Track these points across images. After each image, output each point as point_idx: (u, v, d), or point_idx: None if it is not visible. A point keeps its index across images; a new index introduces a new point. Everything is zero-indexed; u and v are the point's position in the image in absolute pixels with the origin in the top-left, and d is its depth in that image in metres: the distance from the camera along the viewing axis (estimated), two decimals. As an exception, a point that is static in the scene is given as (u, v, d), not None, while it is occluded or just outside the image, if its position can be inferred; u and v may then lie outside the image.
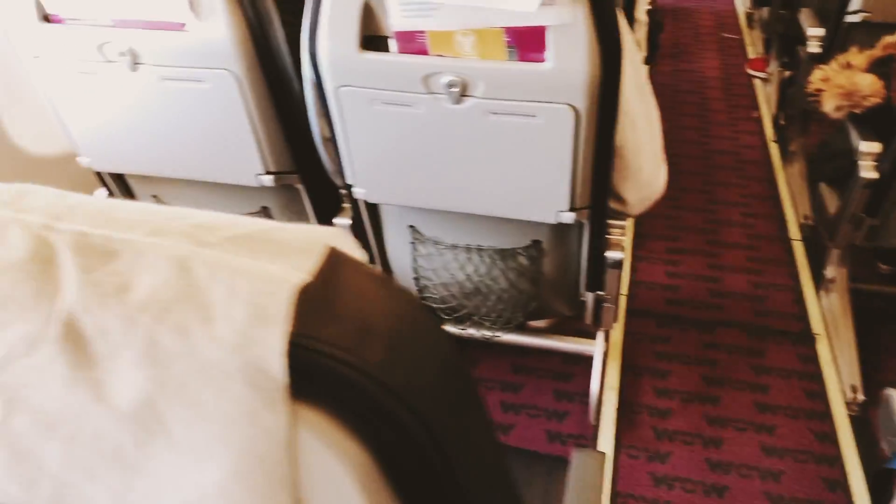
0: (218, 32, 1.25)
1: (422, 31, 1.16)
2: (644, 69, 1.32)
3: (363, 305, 0.39)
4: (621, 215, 1.43)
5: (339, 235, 0.40)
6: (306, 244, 0.38)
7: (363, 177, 1.38)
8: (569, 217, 1.30)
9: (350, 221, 1.53)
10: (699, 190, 2.70)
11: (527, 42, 1.13)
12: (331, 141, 1.37)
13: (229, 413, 0.36)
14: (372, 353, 0.37)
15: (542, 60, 1.13)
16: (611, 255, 1.44)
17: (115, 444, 0.38)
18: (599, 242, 1.41)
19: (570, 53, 1.11)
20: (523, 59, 1.15)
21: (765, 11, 3.48)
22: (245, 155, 1.41)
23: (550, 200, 1.29)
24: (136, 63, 1.32)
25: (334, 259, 0.38)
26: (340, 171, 1.41)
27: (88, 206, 0.40)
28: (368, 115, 1.26)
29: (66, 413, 0.38)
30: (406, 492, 0.40)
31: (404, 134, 1.28)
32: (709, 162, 2.88)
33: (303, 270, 0.36)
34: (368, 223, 1.55)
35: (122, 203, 0.41)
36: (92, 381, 0.37)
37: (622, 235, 1.45)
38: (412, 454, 0.38)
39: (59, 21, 1.31)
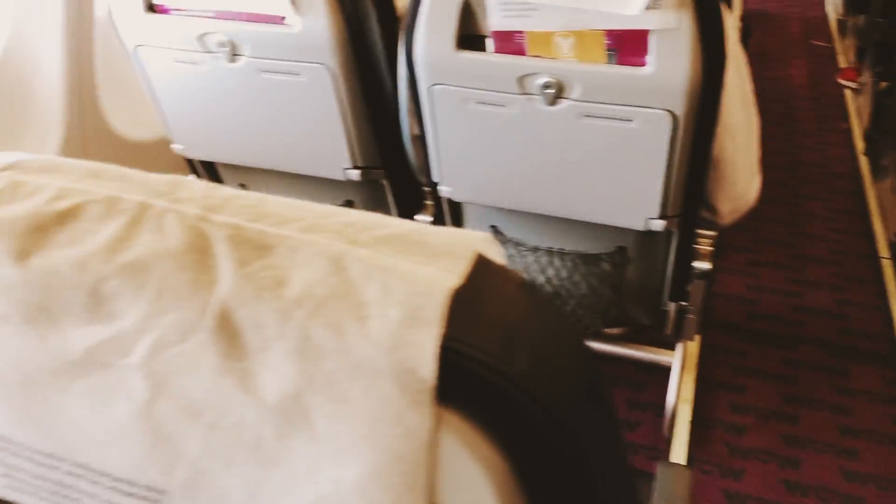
0: (316, 27, 1.27)
1: (521, 32, 1.15)
2: (749, 77, 1.28)
3: (509, 312, 0.38)
4: (710, 225, 1.40)
5: (485, 241, 0.39)
6: (455, 247, 0.38)
7: (450, 175, 1.38)
8: (658, 225, 1.28)
9: (431, 219, 1.53)
10: (783, 201, 2.62)
11: (628, 45, 1.11)
12: (419, 139, 1.37)
13: (375, 411, 0.36)
14: (518, 360, 0.36)
15: (643, 64, 1.11)
16: (698, 265, 1.40)
17: (256, 434, 0.38)
18: (687, 252, 1.38)
19: (673, 58, 1.08)
20: (623, 62, 1.13)
21: (860, 19, 3.35)
22: (335, 149, 1.43)
23: (641, 207, 1.27)
24: (234, 55, 1.35)
25: (482, 264, 0.38)
26: (427, 168, 1.41)
27: (241, 200, 0.40)
28: (460, 114, 1.26)
29: (211, 401, 0.38)
30: (541, 500, 0.39)
31: (495, 134, 1.27)
32: (794, 173, 2.79)
33: (454, 274, 0.36)
34: (450, 222, 1.55)
35: (272, 198, 0.41)
36: (241, 371, 0.37)
37: (710, 246, 1.41)
38: (552, 463, 0.38)
39: (164, 11, 1.35)
